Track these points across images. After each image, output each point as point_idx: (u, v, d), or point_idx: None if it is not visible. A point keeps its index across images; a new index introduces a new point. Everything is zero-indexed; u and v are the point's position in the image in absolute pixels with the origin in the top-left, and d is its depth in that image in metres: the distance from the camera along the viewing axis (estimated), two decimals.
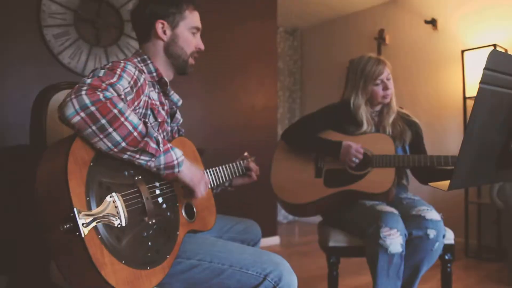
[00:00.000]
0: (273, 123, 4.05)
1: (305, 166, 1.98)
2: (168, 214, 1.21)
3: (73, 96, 0.97)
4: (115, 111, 0.99)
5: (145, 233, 1.08)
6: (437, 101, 4.05)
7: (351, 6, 4.72)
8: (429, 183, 2.10)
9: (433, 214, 1.71)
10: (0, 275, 2.41)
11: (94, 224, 0.93)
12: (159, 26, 1.36)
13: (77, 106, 0.96)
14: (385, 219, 1.65)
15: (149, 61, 1.38)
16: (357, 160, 1.85)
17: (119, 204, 1.02)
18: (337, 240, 1.86)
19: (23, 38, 2.64)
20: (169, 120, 1.45)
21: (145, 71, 1.35)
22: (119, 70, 1.15)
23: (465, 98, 3.59)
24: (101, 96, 0.99)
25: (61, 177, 0.93)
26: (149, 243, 1.09)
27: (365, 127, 1.95)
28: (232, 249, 1.23)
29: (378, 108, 2.04)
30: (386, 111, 2.01)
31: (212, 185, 1.53)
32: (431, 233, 1.67)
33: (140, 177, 1.12)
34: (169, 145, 1.13)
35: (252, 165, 1.73)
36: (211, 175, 1.52)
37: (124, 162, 1.07)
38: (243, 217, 1.75)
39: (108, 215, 0.98)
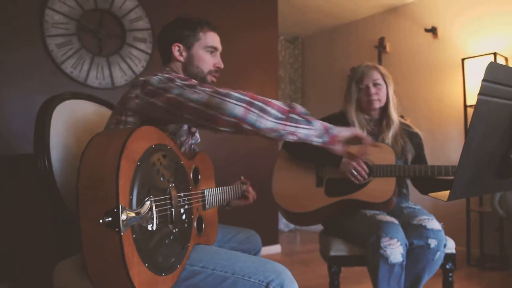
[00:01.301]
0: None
1: (306, 175, 1.98)
2: (186, 225, 1.23)
3: (222, 96, 1.13)
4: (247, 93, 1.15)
5: (167, 240, 1.10)
6: (437, 109, 4.05)
7: (351, 15, 4.75)
8: (429, 194, 2.10)
9: (434, 224, 1.71)
10: (1, 282, 2.41)
11: (132, 223, 0.95)
12: (175, 48, 1.47)
13: (235, 99, 1.11)
14: (386, 229, 1.65)
15: None
16: (356, 174, 1.84)
17: (154, 208, 1.04)
18: (338, 249, 1.86)
19: (26, 47, 2.66)
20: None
21: None
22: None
23: (465, 106, 3.60)
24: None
25: (112, 170, 0.94)
26: (169, 251, 1.10)
27: None
28: (235, 258, 1.25)
29: (375, 115, 2.02)
30: (386, 122, 1.99)
31: (223, 203, 1.62)
32: (432, 242, 1.67)
33: (173, 184, 1.16)
34: (311, 117, 1.20)
35: (250, 189, 1.82)
36: (219, 193, 1.58)
37: (162, 166, 1.11)
38: (245, 225, 1.78)
39: (145, 217, 1.00)
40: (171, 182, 1.14)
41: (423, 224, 1.71)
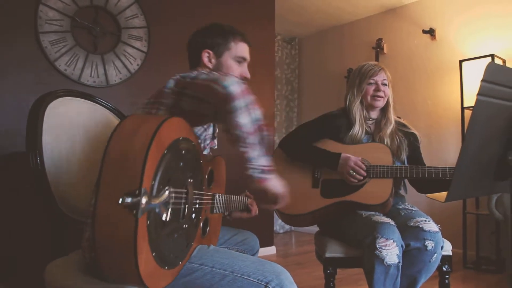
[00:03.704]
0: (270, 132, 4.05)
1: (302, 176, 1.96)
2: (194, 224, 1.23)
3: (228, 75, 1.17)
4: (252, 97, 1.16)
5: (176, 235, 1.10)
6: (435, 111, 4.05)
7: (349, 15, 4.75)
8: (427, 195, 2.09)
9: (431, 226, 1.69)
10: None
11: (150, 208, 0.93)
12: (205, 55, 1.49)
13: (235, 80, 1.14)
14: (381, 230, 1.64)
15: None
16: (354, 174, 1.83)
17: (172, 199, 1.04)
18: (334, 250, 1.84)
19: (19, 44, 2.63)
20: None
21: None
22: None
23: (463, 108, 3.60)
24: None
25: (142, 153, 0.93)
26: (175, 246, 1.10)
27: (357, 127, 1.95)
28: (234, 256, 1.25)
29: (374, 115, 2.03)
30: (384, 122, 2.00)
31: (229, 210, 1.65)
32: (429, 244, 1.65)
33: (192, 180, 1.17)
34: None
35: (254, 203, 1.79)
36: (228, 200, 1.59)
37: (186, 160, 1.13)
38: (240, 227, 1.76)
39: (162, 206, 0.99)
40: (190, 178, 1.16)
41: (420, 225, 1.69)
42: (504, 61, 3.51)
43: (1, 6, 2.57)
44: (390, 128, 1.99)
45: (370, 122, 2.03)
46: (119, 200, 0.87)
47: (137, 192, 0.89)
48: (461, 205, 3.55)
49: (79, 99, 1.67)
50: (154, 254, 0.97)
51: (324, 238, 1.94)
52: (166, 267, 1.05)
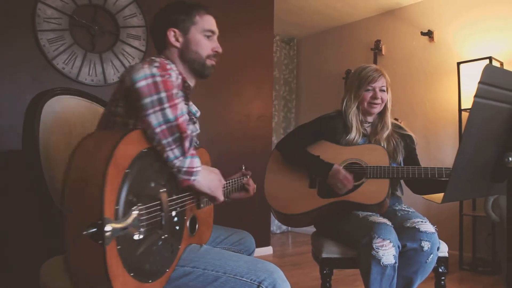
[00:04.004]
0: (268, 132, 4.04)
1: (299, 176, 1.96)
2: (177, 228, 1.20)
3: (145, 65, 1.08)
4: (174, 91, 1.09)
5: (155, 247, 1.07)
6: (432, 113, 4.06)
7: (348, 17, 4.75)
8: (423, 196, 2.10)
9: (427, 227, 1.70)
10: None
11: (117, 234, 0.91)
12: (171, 34, 1.42)
13: (147, 72, 1.06)
14: (378, 230, 1.64)
15: (173, 65, 1.39)
16: (342, 187, 1.82)
17: (142, 216, 1.00)
18: (330, 251, 1.84)
19: (17, 42, 2.63)
20: None
21: None
22: (167, 63, 1.20)
23: (460, 110, 3.60)
24: (166, 74, 1.10)
25: (99, 180, 0.90)
26: (156, 257, 1.08)
27: (353, 134, 1.96)
28: (227, 257, 1.24)
29: (370, 119, 2.03)
30: (380, 126, 2.01)
31: (224, 196, 1.56)
32: (426, 245, 1.65)
33: (164, 189, 1.11)
34: (195, 151, 1.16)
35: (251, 182, 1.77)
36: None
37: (153, 172, 1.07)
38: (237, 227, 1.75)
39: (131, 227, 0.96)
40: (162, 187, 1.11)
41: (417, 226, 1.70)
42: (501, 64, 3.52)
43: (0, 4, 2.57)
44: (386, 133, 1.99)
45: (366, 125, 2.04)
46: (83, 230, 0.86)
47: (99, 222, 0.87)
48: (457, 206, 3.56)
49: (76, 97, 1.66)
50: (132, 274, 0.96)
51: (321, 238, 1.94)
52: (150, 281, 1.04)
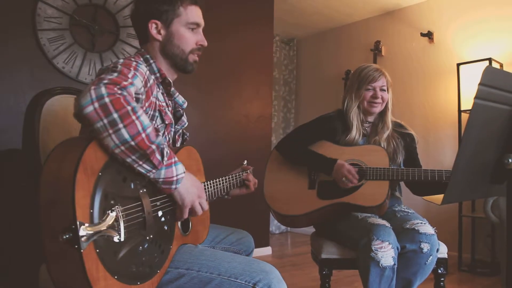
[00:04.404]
0: (267, 133, 4.04)
1: (298, 177, 1.96)
2: (165, 228, 1.18)
3: (92, 87, 0.98)
4: (128, 107, 0.99)
5: (141, 248, 1.06)
6: (432, 114, 4.06)
7: (348, 17, 4.75)
8: (423, 197, 2.09)
9: (427, 228, 1.70)
10: None
11: (94, 238, 0.91)
12: (152, 26, 1.33)
13: (93, 96, 0.96)
14: (377, 232, 1.64)
15: (151, 61, 1.35)
16: (347, 181, 1.82)
17: (121, 218, 0.99)
18: (329, 252, 1.84)
19: (17, 41, 2.62)
20: (173, 123, 1.43)
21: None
22: (132, 68, 1.14)
23: (460, 111, 3.60)
24: (118, 91, 1.00)
25: (68, 186, 0.90)
26: (143, 258, 1.06)
27: (354, 133, 1.95)
28: (221, 258, 1.21)
29: (371, 119, 2.03)
30: (381, 126, 2.00)
31: (213, 197, 1.51)
32: (425, 247, 1.65)
33: (144, 190, 1.10)
34: (173, 159, 1.10)
35: (251, 177, 1.70)
36: (211, 187, 1.49)
37: (131, 173, 1.05)
38: (236, 227, 1.73)
39: (109, 230, 0.95)
40: (143, 187, 1.09)
41: (416, 228, 1.70)
42: (501, 65, 3.52)
43: (0, 3, 2.57)
44: (386, 133, 1.99)
45: (367, 125, 2.04)
46: (59, 237, 0.87)
47: (73, 226, 0.87)
48: (457, 208, 3.55)
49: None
50: (116, 277, 0.96)
51: (320, 239, 1.94)
52: (138, 283, 1.03)
